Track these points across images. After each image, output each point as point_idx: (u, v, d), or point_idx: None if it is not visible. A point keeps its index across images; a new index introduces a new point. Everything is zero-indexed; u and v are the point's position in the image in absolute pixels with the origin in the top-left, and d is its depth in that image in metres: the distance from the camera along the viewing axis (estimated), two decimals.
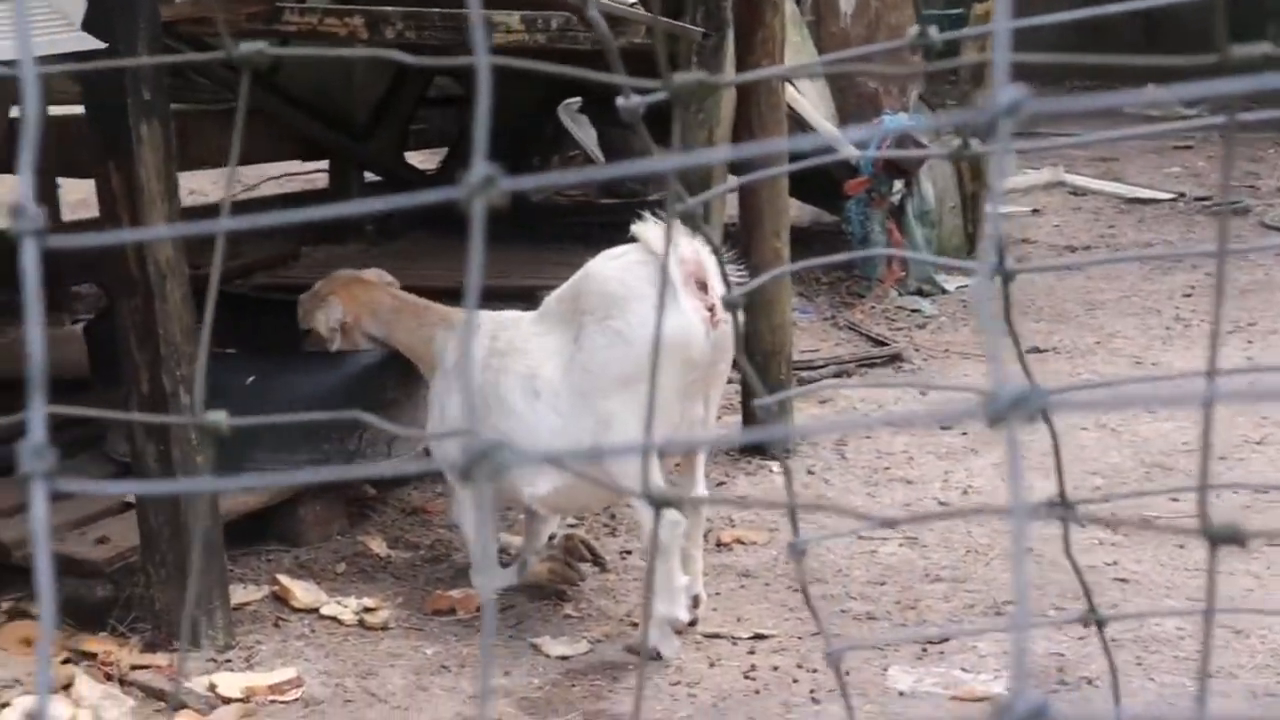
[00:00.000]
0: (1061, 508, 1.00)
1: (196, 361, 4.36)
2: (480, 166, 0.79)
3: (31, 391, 0.81)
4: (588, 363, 4.44)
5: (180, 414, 4.31)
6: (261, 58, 1.03)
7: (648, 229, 4.33)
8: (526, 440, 4.56)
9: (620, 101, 0.98)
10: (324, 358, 5.23)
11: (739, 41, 5.95)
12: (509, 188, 0.81)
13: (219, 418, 0.95)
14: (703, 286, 4.34)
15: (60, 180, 8.20)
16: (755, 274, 4.77)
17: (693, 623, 4.55)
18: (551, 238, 8.38)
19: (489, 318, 4.83)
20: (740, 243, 6.04)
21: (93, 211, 9.63)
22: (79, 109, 8.15)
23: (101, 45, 3.93)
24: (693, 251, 4.34)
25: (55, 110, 8.00)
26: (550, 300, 4.68)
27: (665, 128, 1.13)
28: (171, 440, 4.30)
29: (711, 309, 4.36)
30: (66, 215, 8.41)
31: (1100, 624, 1.31)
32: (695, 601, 4.56)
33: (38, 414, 0.79)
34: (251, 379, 5.08)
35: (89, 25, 3.94)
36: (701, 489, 4.61)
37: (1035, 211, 10.63)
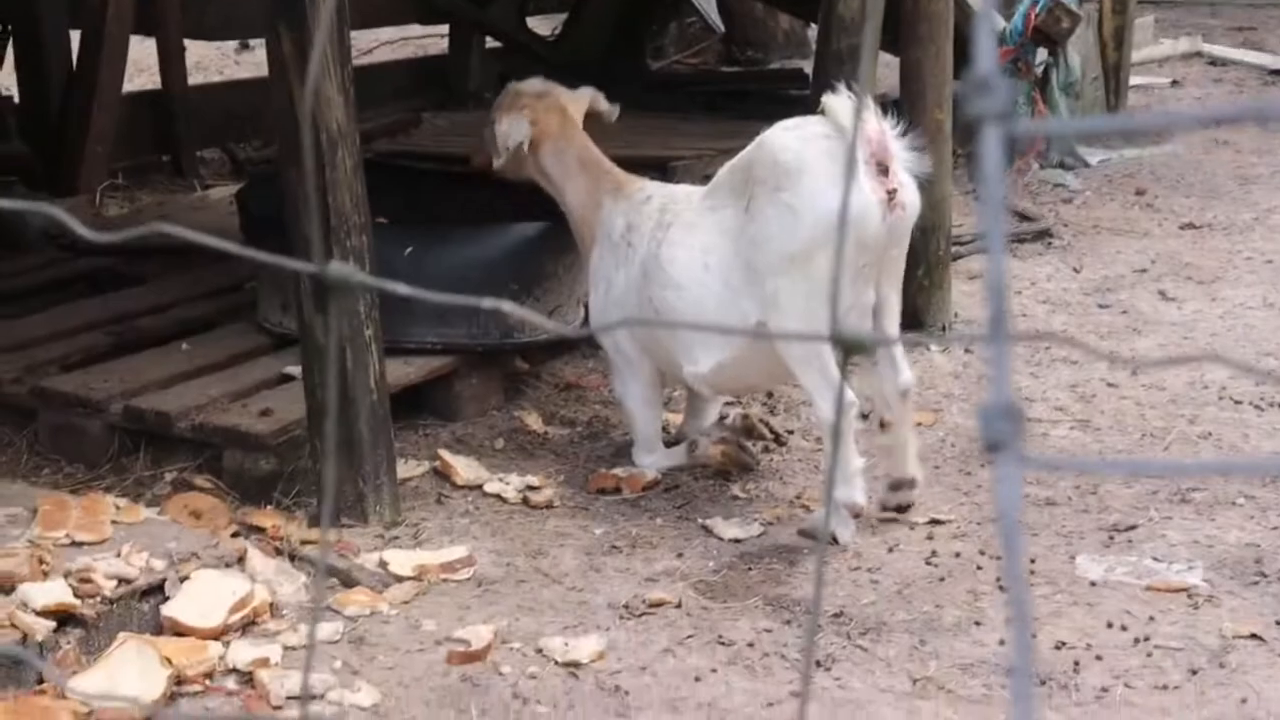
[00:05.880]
0: None
1: (366, 232, 4.23)
2: None
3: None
4: (756, 235, 4.26)
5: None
6: None
7: (838, 101, 4.12)
8: (691, 313, 4.39)
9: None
10: (482, 230, 5.08)
11: None
12: None
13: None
14: (884, 169, 4.15)
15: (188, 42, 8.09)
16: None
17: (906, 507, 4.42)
18: (674, 107, 8.17)
19: (660, 191, 4.67)
20: (904, 115, 5.81)
21: (211, 75, 9.48)
22: None
23: None
24: (878, 131, 4.13)
25: None
26: (723, 171, 4.48)
27: None
28: (340, 312, 4.18)
29: (891, 192, 4.16)
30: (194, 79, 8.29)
31: None
32: (912, 484, 4.41)
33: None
34: (409, 250, 4.94)
35: None
36: (906, 373, 4.41)
37: (1174, 83, 10.28)
